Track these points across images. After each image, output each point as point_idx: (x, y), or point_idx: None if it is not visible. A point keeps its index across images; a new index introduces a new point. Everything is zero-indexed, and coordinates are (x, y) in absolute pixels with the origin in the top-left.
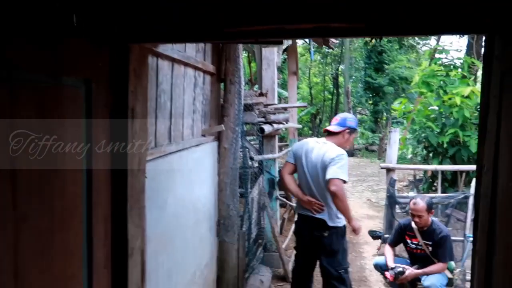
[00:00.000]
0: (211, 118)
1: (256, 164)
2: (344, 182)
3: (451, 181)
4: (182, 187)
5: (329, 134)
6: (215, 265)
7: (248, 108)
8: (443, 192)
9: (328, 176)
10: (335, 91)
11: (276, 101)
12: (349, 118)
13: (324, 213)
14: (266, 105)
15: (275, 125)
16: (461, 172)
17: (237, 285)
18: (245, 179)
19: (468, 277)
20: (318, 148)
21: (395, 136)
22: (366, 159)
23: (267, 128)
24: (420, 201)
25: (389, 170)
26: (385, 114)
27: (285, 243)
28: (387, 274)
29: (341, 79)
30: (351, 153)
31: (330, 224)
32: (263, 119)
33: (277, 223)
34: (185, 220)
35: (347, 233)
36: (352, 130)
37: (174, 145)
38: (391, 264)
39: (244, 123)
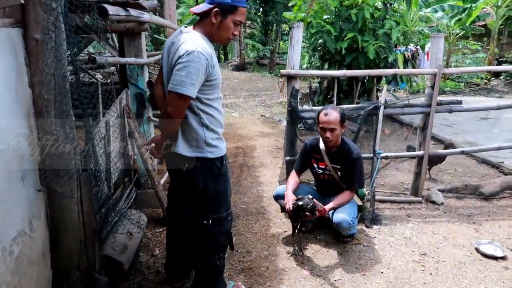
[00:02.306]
0: None
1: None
2: (189, 97)
3: (346, 92)
4: None
5: (199, 20)
6: (43, 232)
7: None
8: (338, 104)
9: (168, 86)
10: None
11: None
12: None
13: (179, 140)
14: None
15: (133, 12)
16: (357, 82)
17: (85, 251)
18: (86, 93)
19: (378, 197)
20: (177, 42)
21: (298, 33)
22: (258, 73)
23: (114, 11)
24: (333, 111)
25: (290, 78)
26: (275, 26)
27: (164, 178)
28: (284, 203)
29: None
30: (242, 67)
31: (189, 154)
32: None
33: None
34: None
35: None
36: (227, 8)
37: None
38: (291, 195)
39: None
